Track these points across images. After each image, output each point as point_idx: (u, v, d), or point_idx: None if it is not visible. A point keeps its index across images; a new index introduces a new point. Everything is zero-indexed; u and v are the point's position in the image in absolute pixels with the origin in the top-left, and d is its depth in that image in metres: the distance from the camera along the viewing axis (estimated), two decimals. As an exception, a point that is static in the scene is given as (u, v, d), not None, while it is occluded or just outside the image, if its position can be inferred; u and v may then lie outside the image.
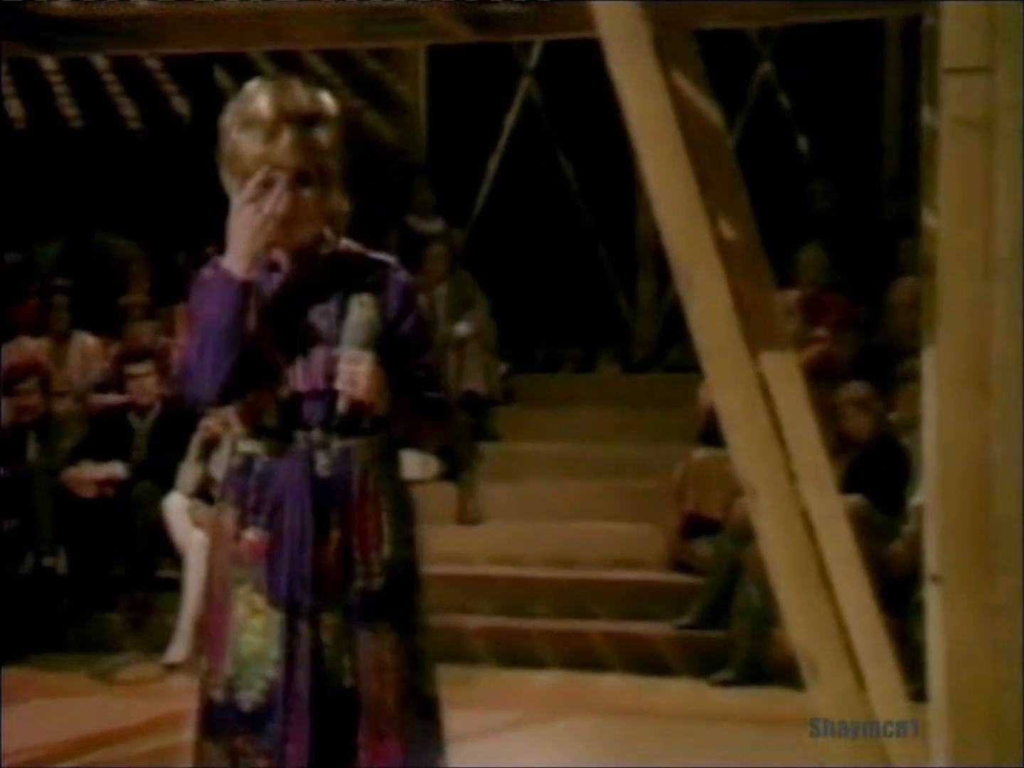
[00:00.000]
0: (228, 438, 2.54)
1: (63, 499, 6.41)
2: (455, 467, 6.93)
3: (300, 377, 2.44)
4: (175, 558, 6.18)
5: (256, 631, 2.41)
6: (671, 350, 7.92)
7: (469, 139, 8.68)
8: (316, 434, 2.44)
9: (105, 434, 6.64)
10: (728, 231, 3.43)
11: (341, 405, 2.41)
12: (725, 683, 5.74)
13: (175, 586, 6.10)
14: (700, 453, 6.24)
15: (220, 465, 6.25)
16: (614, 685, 5.85)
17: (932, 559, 2.54)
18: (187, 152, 8.63)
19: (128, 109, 8.87)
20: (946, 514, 2.44)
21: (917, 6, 2.99)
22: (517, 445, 7.38)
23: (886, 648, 2.96)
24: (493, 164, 8.77)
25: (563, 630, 6.20)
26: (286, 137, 2.36)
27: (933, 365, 2.53)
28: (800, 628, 2.47)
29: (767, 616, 5.52)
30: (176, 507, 6.19)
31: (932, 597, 2.54)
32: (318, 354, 2.44)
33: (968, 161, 2.36)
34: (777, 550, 2.45)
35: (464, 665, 5.77)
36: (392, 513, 2.49)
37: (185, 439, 6.28)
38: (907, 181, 8.34)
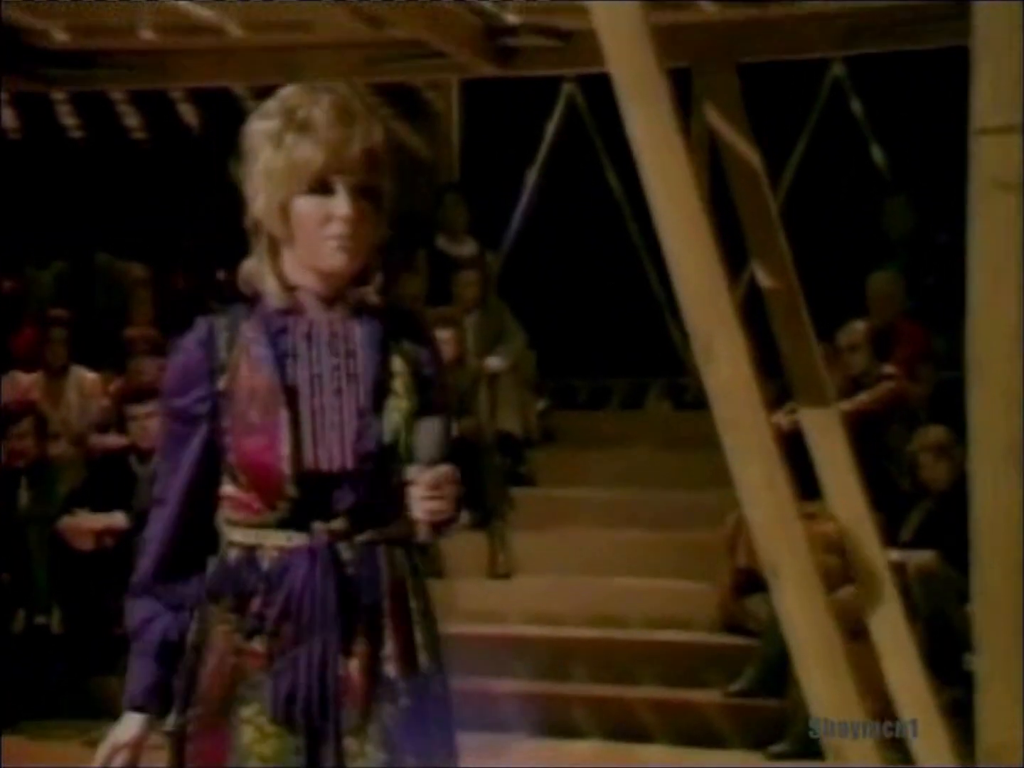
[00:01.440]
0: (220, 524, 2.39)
1: (58, 551, 6.61)
2: (486, 515, 7.14)
3: (326, 455, 2.30)
4: (179, 616, 6.39)
5: (266, 758, 2.29)
6: (728, 385, 8.08)
7: (506, 150, 8.87)
8: (339, 523, 2.32)
9: (104, 480, 6.86)
10: (766, 279, 3.68)
11: (423, 534, 2.31)
12: (782, 756, 5.88)
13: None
14: (755, 502, 6.41)
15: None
16: (660, 756, 6.01)
17: (975, 629, 2.73)
18: (197, 165, 8.87)
19: (132, 118, 9.12)
20: (984, 584, 2.63)
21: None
22: (555, 491, 7.57)
23: (935, 718, 3.15)
24: (532, 178, 8.96)
25: (604, 696, 6.37)
26: (356, 139, 2.29)
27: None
28: (825, 710, 2.66)
29: (828, 684, 5.70)
30: (181, 560, 6.41)
31: (975, 667, 2.72)
32: (349, 426, 2.31)
33: (1002, 221, 2.56)
34: (799, 630, 2.64)
35: (495, 733, 5.95)
36: (423, 615, 2.38)
37: (192, 485, 6.50)
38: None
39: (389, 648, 2.32)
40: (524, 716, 6.28)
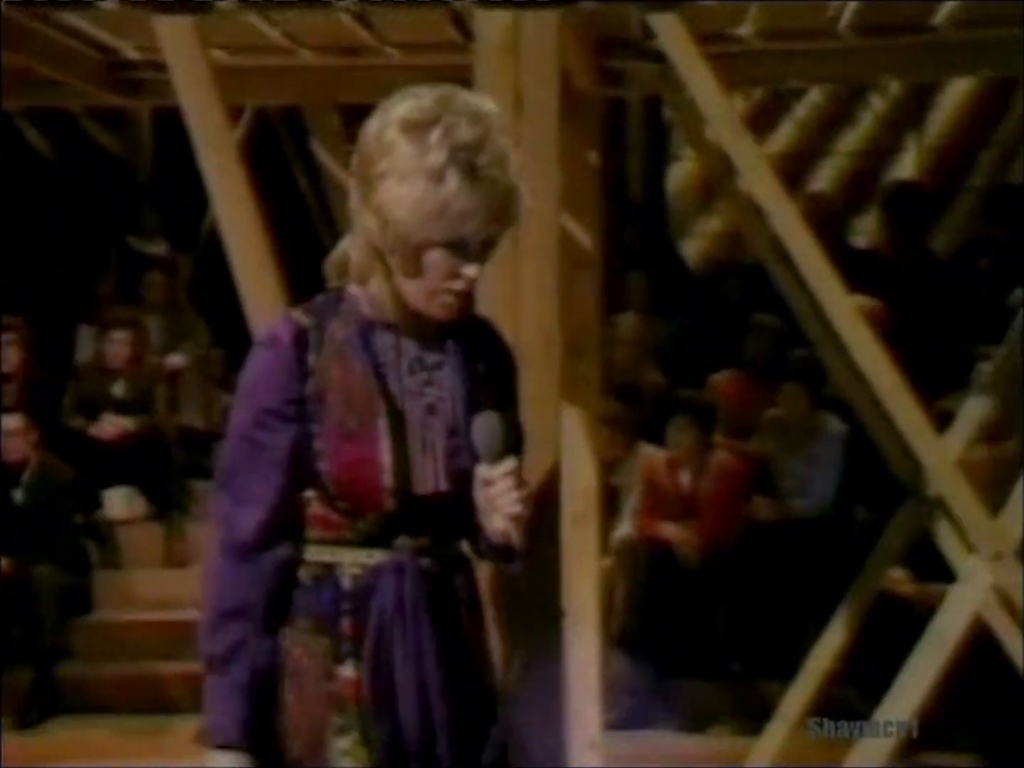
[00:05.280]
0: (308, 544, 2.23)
1: None
2: (164, 506, 7.45)
3: (420, 473, 2.16)
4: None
5: None
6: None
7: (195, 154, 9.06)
8: (424, 539, 2.18)
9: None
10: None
11: (514, 534, 2.14)
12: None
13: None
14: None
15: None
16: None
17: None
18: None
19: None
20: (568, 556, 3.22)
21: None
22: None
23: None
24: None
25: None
26: (510, 196, 2.10)
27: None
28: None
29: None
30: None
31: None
32: (440, 445, 2.18)
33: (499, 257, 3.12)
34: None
35: (165, 715, 6.38)
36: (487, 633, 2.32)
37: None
38: (647, 209, 9.15)
39: (476, 670, 2.23)
40: (193, 697, 6.56)
